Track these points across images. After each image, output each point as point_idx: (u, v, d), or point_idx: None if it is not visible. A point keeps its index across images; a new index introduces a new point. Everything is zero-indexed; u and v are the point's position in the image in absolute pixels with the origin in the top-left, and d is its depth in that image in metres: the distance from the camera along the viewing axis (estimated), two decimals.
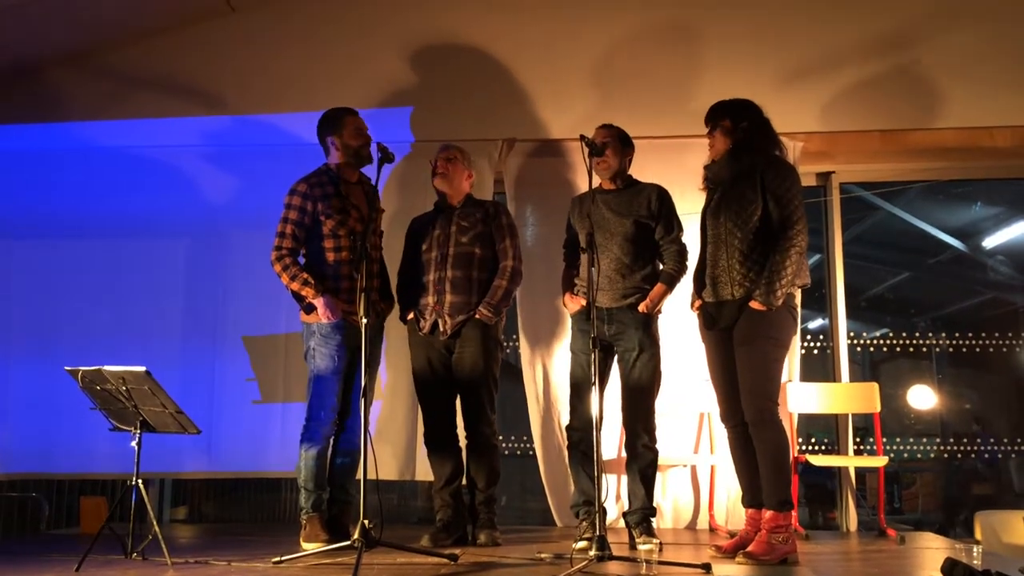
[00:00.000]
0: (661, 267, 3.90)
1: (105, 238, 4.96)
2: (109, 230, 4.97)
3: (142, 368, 3.27)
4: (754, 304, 3.38)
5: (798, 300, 3.68)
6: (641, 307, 3.76)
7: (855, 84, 4.79)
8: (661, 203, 3.87)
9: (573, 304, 3.92)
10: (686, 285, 3.84)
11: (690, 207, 4.25)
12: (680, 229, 3.90)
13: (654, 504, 3.85)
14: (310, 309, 3.80)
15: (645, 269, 3.85)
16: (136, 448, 3.43)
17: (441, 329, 3.87)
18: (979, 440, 7.49)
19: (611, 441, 4.45)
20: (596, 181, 3.80)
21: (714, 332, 3.57)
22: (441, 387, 3.94)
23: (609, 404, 3.96)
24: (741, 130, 3.54)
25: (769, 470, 3.38)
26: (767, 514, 3.35)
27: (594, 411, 3.31)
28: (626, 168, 3.95)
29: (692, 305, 3.70)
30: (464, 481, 3.96)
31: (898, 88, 4.78)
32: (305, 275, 3.76)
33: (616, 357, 3.87)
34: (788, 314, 3.46)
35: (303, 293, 3.77)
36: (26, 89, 5.14)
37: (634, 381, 3.77)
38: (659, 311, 3.85)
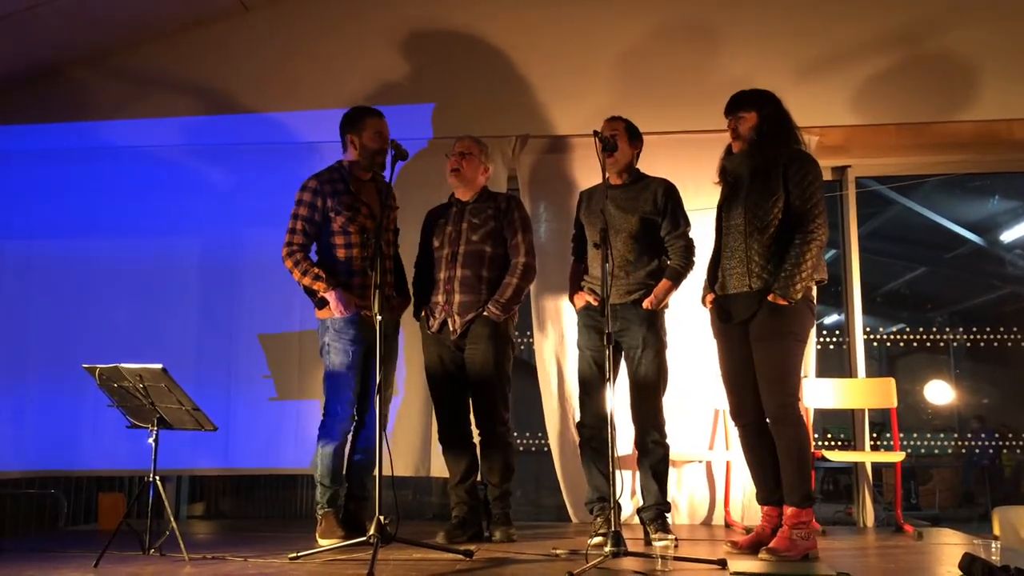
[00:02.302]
0: (667, 263, 3.87)
1: (122, 237, 4.99)
2: (125, 229, 5.00)
3: (159, 365, 3.28)
4: (774, 299, 3.35)
5: (815, 294, 3.63)
6: (646, 303, 3.74)
7: (871, 78, 4.75)
8: (668, 198, 3.83)
9: (578, 300, 3.91)
10: (697, 279, 3.81)
11: (704, 202, 4.23)
12: (687, 224, 3.85)
13: (668, 500, 3.84)
14: (322, 304, 3.80)
15: (650, 265, 3.82)
16: (153, 445, 3.45)
17: (451, 328, 3.88)
18: (997, 435, 7.44)
19: (624, 437, 4.44)
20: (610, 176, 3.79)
21: (728, 327, 3.54)
22: (453, 385, 3.95)
23: (621, 400, 3.96)
24: (763, 121, 3.50)
25: (791, 466, 3.35)
26: (789, 510, 3.33)
27: (608, 407, 3.30)
28: (634, 162, 3.93)
29: (704, 300, 3.68)
30: (479, 477, 3.97)
31: (915, 82, 4.74)
32: (316, 270, 3.76)
33: (623, 353, 3.86)
34: (807, 309, 3.43)
35: (315, 288, 3.77)
36: (43, 90, 5.18)
37: (640, 378, 3.76)
38: (665, 306, 3.82)
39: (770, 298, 3.36)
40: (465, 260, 3.89)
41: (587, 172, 4.74)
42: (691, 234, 3.85)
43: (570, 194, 4.64)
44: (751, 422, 3.50)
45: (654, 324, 3.77)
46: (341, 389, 3.78)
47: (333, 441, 3.78)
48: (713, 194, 3.80)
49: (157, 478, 3.41)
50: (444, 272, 3.91)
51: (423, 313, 3.99)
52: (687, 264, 3.80)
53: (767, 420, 3.43)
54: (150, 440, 3.46)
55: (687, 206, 3.93)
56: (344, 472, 3.86)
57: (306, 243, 3.83)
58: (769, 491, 3.50)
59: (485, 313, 3.85)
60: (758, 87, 3.65)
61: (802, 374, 3.55)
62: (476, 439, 4.01)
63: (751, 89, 3.61)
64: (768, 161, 3.47)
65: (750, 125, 3.53)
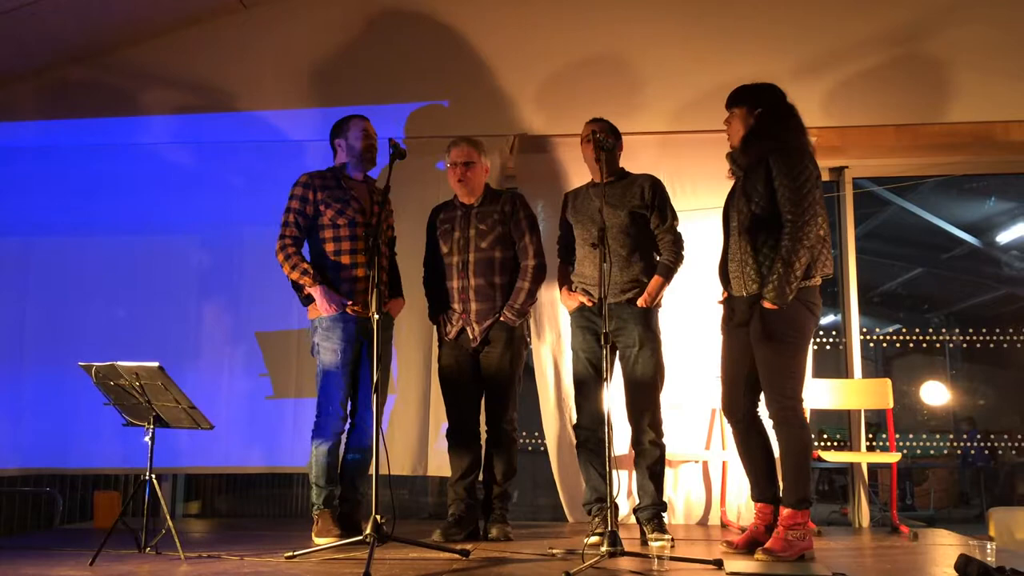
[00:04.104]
0: (658, 259, 3.86)
1: (119, 235, 4.97)
2: (122, 227, 4.98)
3: (155, 364, 3.28)
4: (765, 304, 3.33)
5: (816, 293, 3.58)
6: (640, 301, 3.73)
7: (868, 78, 4.76)
8: (654, 193, 3.82)
9: (571, 301, 3.91)
10: (689, 279, 3.81)
11: (700, 202, 4.24)
12: (675, 218, 3.84)
13: (665, 499, 3.85)
14: (308, 300, 3.82)
15: (643, 262, 3.81)
16: (149, 443, 3.44)
17: (471, 336, 3.89)
18: (992, 437, 7.46)
19: (621, 436, 4.44)
20: (594, 176, 3.80)
21: (731, 327, 3.53)
22: (468, 385, 3.96)
23: (617, 399, 3.96)
24: (755, 116, 3.47)
25: (790, 468, 3.34)
26: (785, 511, 3.33)
27: (605, 407, 3.30)
28: (616, 161, 3.92)
29: (721, 298, 3.65)
30: (479, 475, 3.97)
31: (911, 82, 4.75)
32: (305, 265, 3.79)
33: (617, 353, 3.85)
34: (804, 308, 3.36)
35: (301, 282, 3.80)
36: (40, 86, 5.17)
37: (636, 377, 3.75)
38: (659, 304, 3.82)
39: (762, 303, 3.34)
40: (477, 268, 3.89)
41: (584, 171, 4.74)
42: (679, 228, 3.85)
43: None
44: (742, 419, 3.51)
45: (649, 322, 3.77)
46: (332, 388, 3.79)
47: (326, 441, 3.79)
48: (706, 195, 3.81)
49: (153, 476, 3.40)
50: (457, 281, 3.92)
51: (440, 319, 3.99)
52: (677, 259, 3.80)
53: (771, 420, 3.42)
54: (146, 438, 3.45)
55: (682, 206, 3.95)
56: (339, 472, 3.86)
57: (299, 236, 3.86)
58: (762, 488, 3.50)
59: (502, 319, 3.86)
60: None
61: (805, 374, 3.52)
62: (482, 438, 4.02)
63: (748, 84, 3.58)
64: (756, 159, 3.43)
65: (740, 122, 3.52)
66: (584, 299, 3.83)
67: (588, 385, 3.81)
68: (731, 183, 3.65)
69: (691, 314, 4.23)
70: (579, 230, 3.90)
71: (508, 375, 3.89)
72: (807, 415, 4.47)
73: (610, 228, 3.73)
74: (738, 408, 3.50)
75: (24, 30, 4.76)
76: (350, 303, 3.76)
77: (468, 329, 3.90)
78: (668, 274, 3.78)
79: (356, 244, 3.83)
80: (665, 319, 3.90)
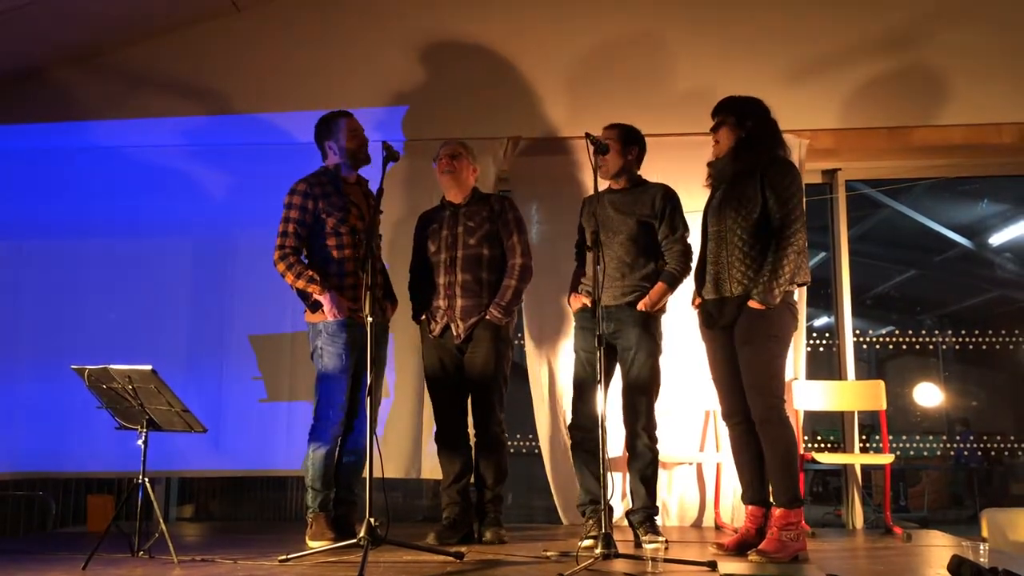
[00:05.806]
0: (664, 267, 3.89)
1: (112, 238, 4.97)
2: (116, 230, 4.98)
3: (148, 367, 3.28)
4: (752, 303, 3.40)
5: (797, 297, 3.68)
6: (640, 305, 3.75)
7: (861, 81, 4.77)
8: (666, 202, 3.85)
9: (575, 302, 3.92)
10: (686, 282, 3.83)
11: (696, 204, 4.24)
12: (685, 229, 3.87)
13: (657, 502, 3.85)
14: (315, 307, 3.80)
15: (646, 268, 3.83)
16: (142, 446, 3.43)
17: (454, 333, 3.88)
18: (985, 438, 7.47)
19: (615, 438, 4.44)
20: (603, 180, 3.80)
21: (714, 330, 3.57)
22: (453, 386, 3.95)
23: (613, 402, 3.96)
24: (745, 127, 3.54)
25: (779, 468, 3.38)
26: (777, 512, 3.35)
27: (599, 409, 3.31)
28: (631, 167, 3.93)
29: (693, 302, 3.71)
30: (471, 479, 3.97)
31: (905, 85, 4.76)
32: (310, 272, 3.77)
33: (618, 356, 3.86)
34: (788, 311, 3.46)
35: (309, 290, 3.77)
36: (33, 89, 5.16)
37: (632, 380, 3.77)
38: (662, 311, 3.83)
39: (750, 303, 3.41)
40: (464, 264, 3.89)
41: (580, 175, 4.76)
42: (689, 239, 3.87)
43: (562, 197, 4.65)
44: (742, 422, 3.53)
45: (648, 327, 3.78)
46: (333, 393, 3.78)
47: (324, 445, 3.77)
48: (700, 197, 3.82)
49: (146, 480, 3.40)
50: (444, 277, 3.92)
51: (424, 317, 3.99)
52: (683, 268, 3.82)
53: (755, 420, 3.45)
54: (139, 442, 3.44)
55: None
56: (334, 475, 3.85)
57: (298, 246, 3.82)
58: (755, 491, 3.53)
59: (487, 317, 3.86)
60: (748, 89, 3.68)
61: (786, 375, 3.57)
62: (471, 441, 4.01)
63: (735, 96, 3.65)
64: (747, 167, 3.51)
65: (729, 131, 3.57)
66: (587, 300, 3.84)
67: (586, 386, 3.81)
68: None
69: (684, 317, 4.23)
70: (588, 234, 3.90)
71: (493, 376, 3.87)
72: (800, 417, 4.52)
73: (618, 234, 3.80)
74: (738, 411, 3.53)
75: (16, 32, 4.75)
76: (357, 310, 3.74)
77: (452, 326, 3.89)
78: (672, 282, 3.79)
79: (359, 252, 3.81)
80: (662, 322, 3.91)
